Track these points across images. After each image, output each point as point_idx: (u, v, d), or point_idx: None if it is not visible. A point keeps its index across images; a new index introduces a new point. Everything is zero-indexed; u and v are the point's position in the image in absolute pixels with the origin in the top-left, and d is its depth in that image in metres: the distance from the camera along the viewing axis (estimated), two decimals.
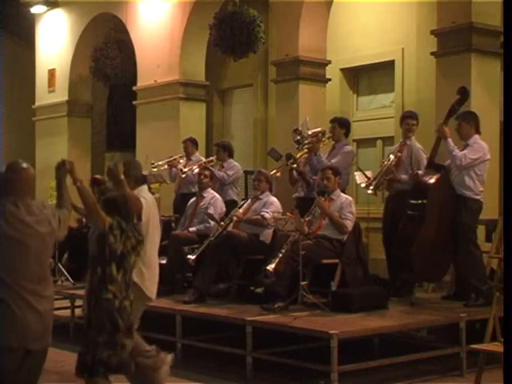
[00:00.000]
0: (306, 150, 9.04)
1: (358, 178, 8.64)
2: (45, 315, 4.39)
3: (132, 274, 5.21)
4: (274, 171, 9.23)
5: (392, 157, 8.45)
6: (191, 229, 8.96)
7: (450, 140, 7.72)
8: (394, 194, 8.50)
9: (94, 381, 5.08)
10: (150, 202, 5.84)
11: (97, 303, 5.07)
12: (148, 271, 5.69)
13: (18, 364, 4.31)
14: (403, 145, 8.56)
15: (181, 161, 10.61)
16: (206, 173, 9.36)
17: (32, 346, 4.32)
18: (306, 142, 8.99)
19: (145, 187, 6.09)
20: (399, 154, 8.44)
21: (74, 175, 4.85)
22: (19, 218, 4.31)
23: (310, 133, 9.07)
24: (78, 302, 9.26)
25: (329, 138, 9.15)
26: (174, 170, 10.52)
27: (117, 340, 5.02)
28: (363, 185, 8.37)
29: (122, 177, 5.52)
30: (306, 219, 8.07)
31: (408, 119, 8.60)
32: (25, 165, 4.49)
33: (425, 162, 8.29)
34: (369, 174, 8.52)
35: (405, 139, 8.58)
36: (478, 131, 7.84)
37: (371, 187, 8.25)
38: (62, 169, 4.79)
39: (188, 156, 10.71)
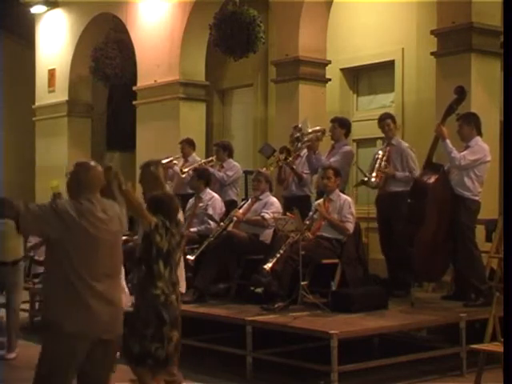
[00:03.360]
0: (304, 147, 9.04)
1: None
2: (116, 307, 4.61)
3: (177, 271, 5.56)
4: (266, 167, 9.23)
5: (381, 152, 8.47)
6: (192, 229, 8.95)
7: (447, 141, 7.72)
8: (384, 195, 8.48)
9: (140, 371, 5.44)
10: None
11: (144, 298, 5.39)
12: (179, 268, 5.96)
13: (92, 352, 4.50)
14: (389, 145, 8.60)
15: (175, 162, 10.58)
16: (193, 174, 9.39)
17: (104, 335, 4.51)
18: (306, 139, 8.98)
19: (167, 187, 6.59)
20: (387, 148, 8.48)
21: (119, 180, 5.05)
22: (95, 214, 4.51)
23: (310, 130, 9.06)
24: None
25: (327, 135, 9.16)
26: (170, 170, 10.50)
27: (164, 333, 5.33)
28: (365, 178, 8.33)
29: (162, 179, 6.13)
30: (306, 222, 8.04)
31: (384, 121, 8.66)
32: (93, 163, 4.72)
33: (414, 159, 8.39)
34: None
35: (389, 140, 8.62)
36: (479, 132, 7.84)
37: (373, 174, 8.23)
38: (109, 173, 4.98)
39: (185, 157, 10.70)
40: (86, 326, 4.44)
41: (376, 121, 8.86)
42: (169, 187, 10.30)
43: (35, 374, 4.49)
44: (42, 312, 4.72)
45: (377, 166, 8.38)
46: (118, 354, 7.32)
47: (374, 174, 8.28)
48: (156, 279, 5.37)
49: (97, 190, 4.63)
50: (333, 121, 9.25)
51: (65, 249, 4.43)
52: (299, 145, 9.02)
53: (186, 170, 10.23)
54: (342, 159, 8.88)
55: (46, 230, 4.46)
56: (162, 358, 5.36)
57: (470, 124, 7.82)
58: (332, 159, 8.85)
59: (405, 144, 8.63)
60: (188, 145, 10.79)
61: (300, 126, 9.17)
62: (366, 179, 8.33)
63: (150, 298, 5.36)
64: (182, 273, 6.21)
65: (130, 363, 5.47)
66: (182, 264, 6.19)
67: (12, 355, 8.12)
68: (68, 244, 4.43)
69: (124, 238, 8.76)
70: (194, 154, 10.81)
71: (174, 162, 10.56)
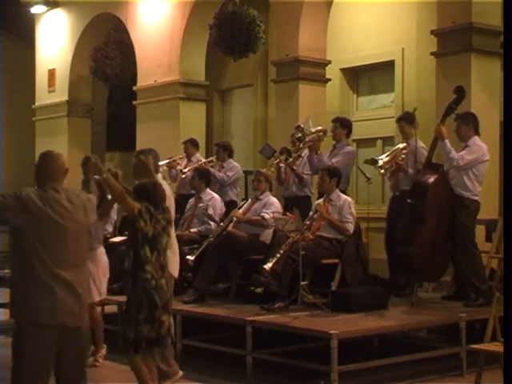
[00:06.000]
0: (305, 147, 9.03)
1: None
2: (82, 295, 4.62)
3: (166, 255, 5.67)
4: (266, 168, 9.23)
5: (401, 145, 8.40)
6: (192, 230, 8.95)
7: (446, 141, 7.71)
8: (397, 195, 8.46)
9: (135, 357, 5.57)
10: (166, 189, 6.14)
11: (135, 283, 5.51)
12: (171, 253, 6.08)
13: (63, 346, 4.50)
14: (407, 144, 8.56)
15: (179, 161, 10.61)
16: (194, 174, 9.40)
17: (69, 323, 4.52)
18: (308, 139, 8.96)
19: (159, 175, 6.62)
20: (408, 143, 8.37)
21: (100, 168, 5.18)
22: (60, 202, 4.52)
23: (313, 130, 9.03)
24: None
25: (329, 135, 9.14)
26: (173, 170, 10.52)
27: (155, 316, 5.47)
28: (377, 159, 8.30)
29: (151, 167, 6.24)
30: (306, 223, 8.04)
31: (397, 123, 8.65)
32: (57, 152, 4.75)
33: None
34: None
35: (406, 139, 8.56)
36: (477, 132, 7.83)
37: (384, 157, 8.21)
38: (89, 163, 5.13)
39: (188, 157, 10.71)
40: (51, 314, 4.44)
41: (376, 121, 8.86)
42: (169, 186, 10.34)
43: (11, 369, 4.47)
44: (11, 305, 4.63)
45: (394, 150, 8.30)
46: (105, 347, 7.52)
47: (384, 157, 8.22)
48: (144, 264, 5.49)
49: (62, 179, 4.64)
50: (334, 121, 9.22)
51: (29, 237, 4.43)
52: (301, 145, 9.00)
53: (185, 170, 10.24)
54: (343, 159, 8.86)
55: (8, 217, 4.44)
56: (152, 339, 5.49)
57: (468, 124, 7.81)
58: (334, 159, 8.84)
59: (420, 145, 8.48)
60: (192, 145, 10.81)
61: (302, 125, 9.15)
62: (376, 158, 8.25)
63: (141, 283, 5.48)
64: (176, 258, 6.36)
65: (128, 351, 5.56)
66: (176, 250, 6.31)
67: None
68: (33, 232, 4.43)
69: (121, 238, 8.80)
70: (197, 154, 10.83)
71: (178, 161, 10.57)
